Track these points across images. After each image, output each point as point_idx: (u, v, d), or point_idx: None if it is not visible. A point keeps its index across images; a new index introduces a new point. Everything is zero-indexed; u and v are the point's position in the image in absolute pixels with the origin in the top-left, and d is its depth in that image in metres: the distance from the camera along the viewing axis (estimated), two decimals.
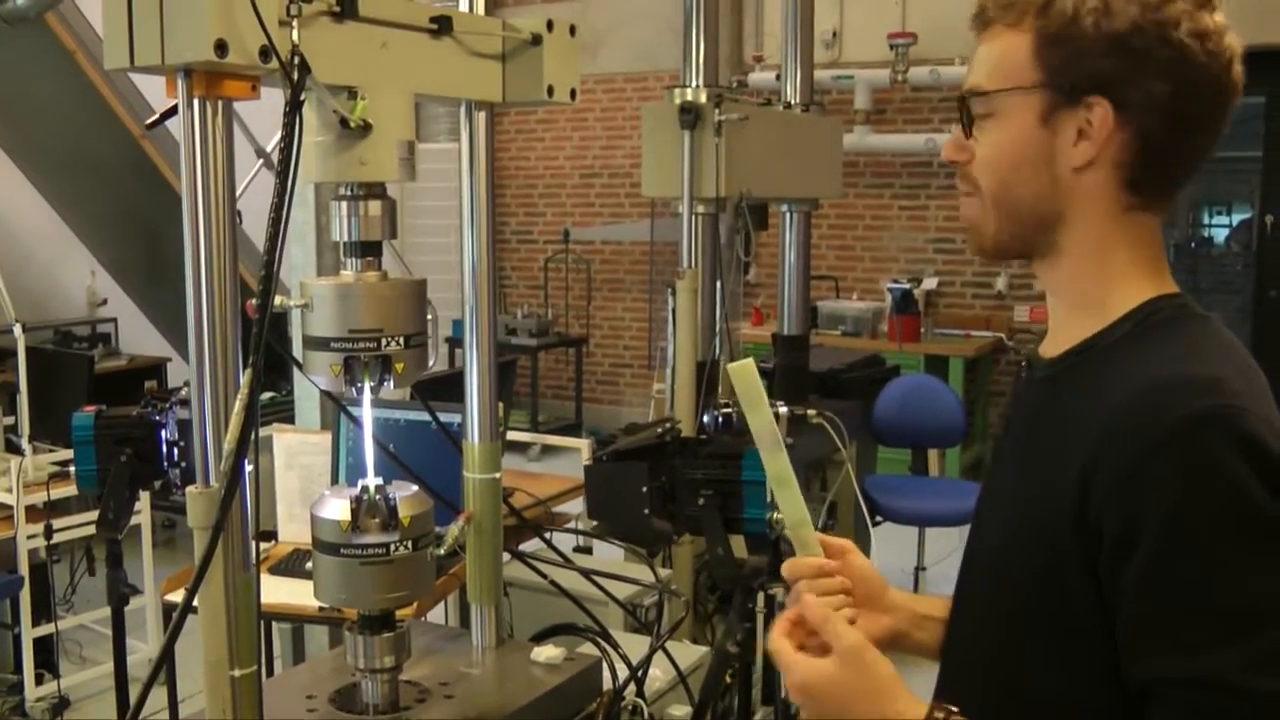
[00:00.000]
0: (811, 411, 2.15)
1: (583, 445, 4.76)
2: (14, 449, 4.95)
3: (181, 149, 1.69)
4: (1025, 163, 1.37)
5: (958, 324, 8.42)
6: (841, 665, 1.31)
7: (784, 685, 1.28)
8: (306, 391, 3.88)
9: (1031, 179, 1.37)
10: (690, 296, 4.14)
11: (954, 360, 7.82)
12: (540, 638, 2.29)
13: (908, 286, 8.13)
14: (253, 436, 1.71)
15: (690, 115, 4.05)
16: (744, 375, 1.33)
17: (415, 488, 2.04)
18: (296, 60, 1.66)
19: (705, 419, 2.03)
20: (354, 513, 1.95)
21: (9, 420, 5.11)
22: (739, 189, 4.20)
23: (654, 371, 8.51)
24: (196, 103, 1.67)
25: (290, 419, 3.97)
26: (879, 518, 5.01)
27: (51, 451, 4.81)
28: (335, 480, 3.38)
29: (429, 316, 2.06)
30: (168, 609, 3.30)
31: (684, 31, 4.22)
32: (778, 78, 5.38)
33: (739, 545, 2.08)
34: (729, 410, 2.00)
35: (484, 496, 2.26)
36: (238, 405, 1.69)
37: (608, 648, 2.25)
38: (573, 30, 2.22)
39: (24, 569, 4.44)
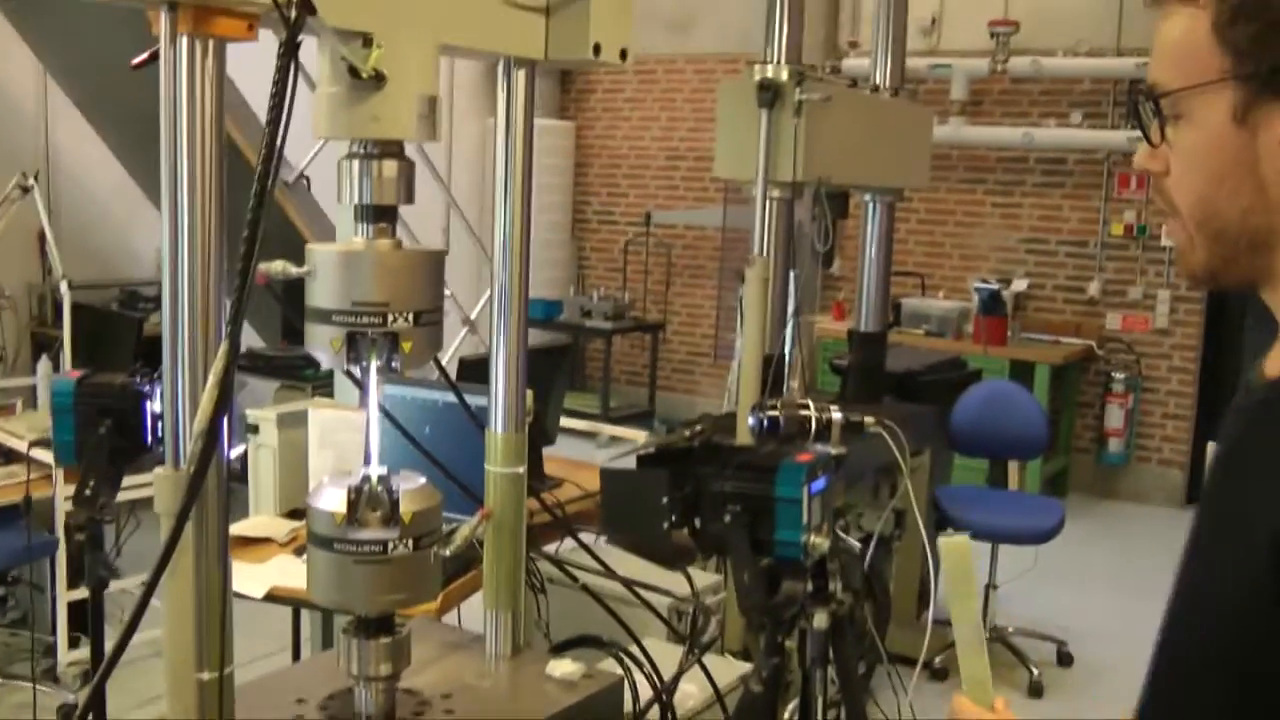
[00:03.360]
0: (869, 419, 1.91)
1: (642, 436, 4.56)
2: None
3: (162, 93, 1.51)
4: (1225, 174, 1.12)
5: (1047, 329, 8.08)
6: None
7: None
8: None
9: (1236, 192, 1.12)
10: (760, 286, 3.93)
11: (1040, 367, 7.48)
12: (561, 649, 2.09)
13: (996, 287, 7.80)
14: (226, 417, 1.54)
15: (769, 93, 3.84)
16: (955, 554, 1.09)
17: (424, 480, 1.86)
18: None
19: (750, 421, 1.80)
20: (351, 504, 1.77)
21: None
22: (818, 174, 3.97)
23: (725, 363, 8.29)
24: (185, 40, 1.50)
25: (332, 394, 3.81)
26: (949, 529, 4.75)
27: None
28: (367, 462, 3.20)
29: (447, 293, 1.88)
30: None
31: (768, 6, 4.00)
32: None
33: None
34: (775, 414, 1.78)
35: (505, 492, 2.08)
36: (210, 382, 1.51)
37: (631, 665, 2.04)
38: None
39: (60, 530, 4.32)
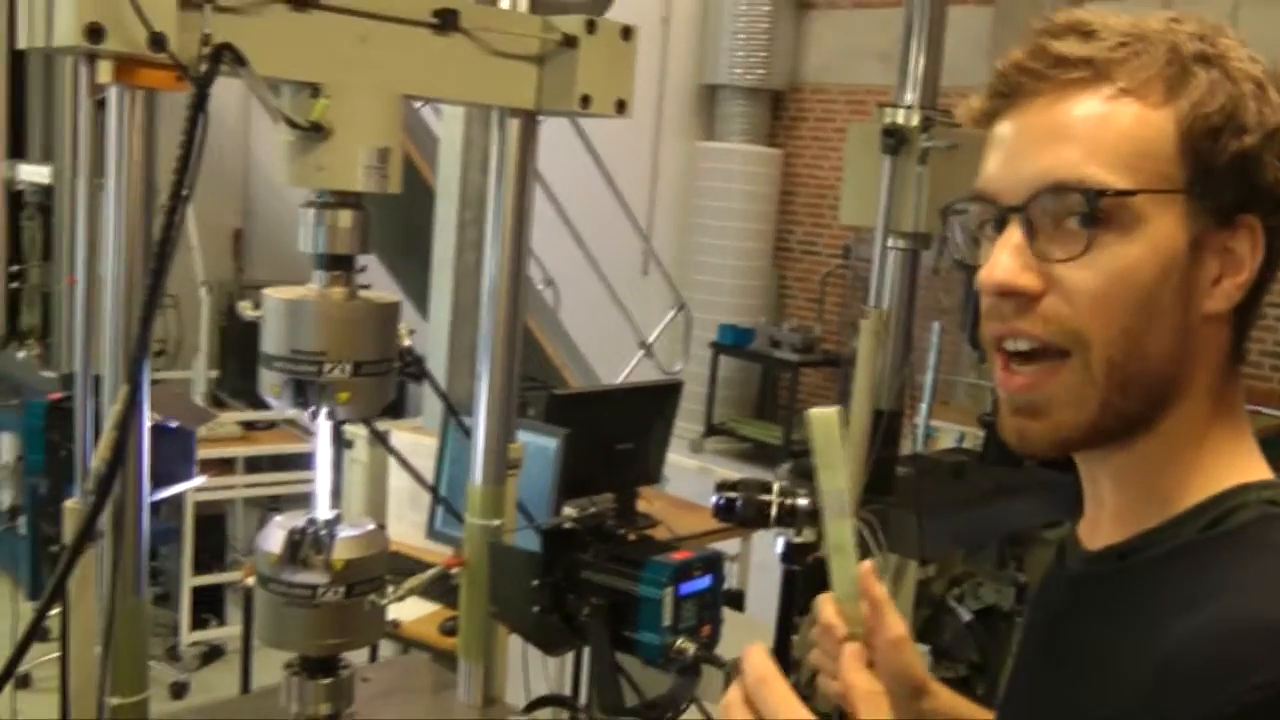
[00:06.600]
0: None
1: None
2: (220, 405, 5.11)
3: (63, 134, 1.56)
4: (1165, 306, 0.91)
5: (1249, 398, 7.43)
6: None
7: None
8: None
9: (1167, 331, 0.92)
10: (873, 339, 3.81)
11: None
12: (532, 708, 2.06)
13: None
14: (128, 452, 1.58)
15: (893, 139, 3.71)
16: (824, 426, 1.03)
17: (372, 526, 1.86)
18: (207, 51, 1.49)
19: (713, 500, 1.70)
20: (290, 546, 1.79)
21: (214, 374, 5.26)
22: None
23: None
24: (115, 91, 1.55)
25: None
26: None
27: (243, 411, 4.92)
28: (436, 485, 3.22)
29: (408, 343, 1.88)
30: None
31: (902, 41, 3.88)
32: None
33: None
34: (734, 496, 1.67)
35: (483, 544, 2.05)
36: (110, 421, 1.54)
37: None
38: (626, 33, 1.95)
39: (188, 518, 4.50)
